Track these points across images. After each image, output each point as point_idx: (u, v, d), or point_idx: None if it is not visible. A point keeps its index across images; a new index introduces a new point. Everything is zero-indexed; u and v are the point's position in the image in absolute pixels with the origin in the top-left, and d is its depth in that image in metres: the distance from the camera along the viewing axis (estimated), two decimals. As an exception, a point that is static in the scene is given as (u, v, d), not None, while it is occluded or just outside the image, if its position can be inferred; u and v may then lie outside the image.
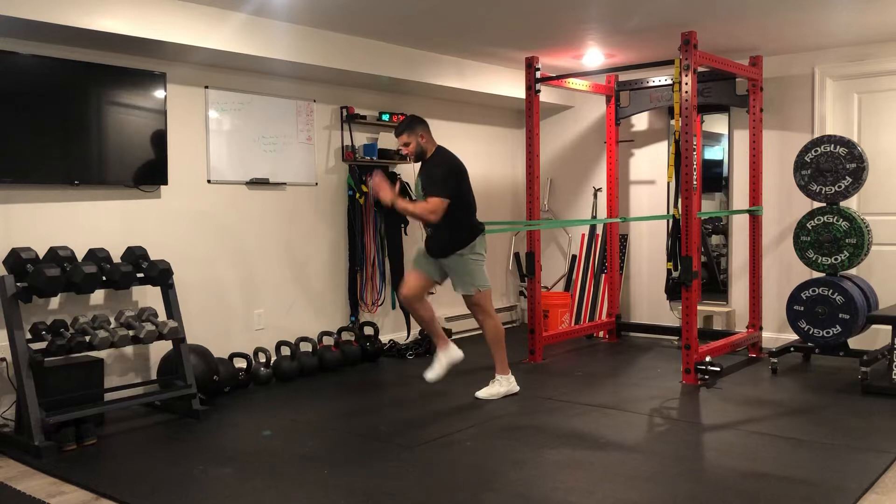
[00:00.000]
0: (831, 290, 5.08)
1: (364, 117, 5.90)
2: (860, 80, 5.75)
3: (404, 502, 3.08)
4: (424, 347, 6.01)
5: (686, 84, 4.80)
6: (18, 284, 3.87)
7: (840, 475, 3.30)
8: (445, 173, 4.47)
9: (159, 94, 4.67)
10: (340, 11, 4.65)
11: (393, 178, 5.60)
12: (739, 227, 6.23)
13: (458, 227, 4.49)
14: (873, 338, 5.50)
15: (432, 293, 4.94)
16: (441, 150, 4.62)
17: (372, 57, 5.41)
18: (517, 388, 4.73)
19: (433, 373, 4.61)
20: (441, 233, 4.50)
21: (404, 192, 5.00)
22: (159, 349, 4.69)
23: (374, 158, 5.90)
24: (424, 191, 4.49)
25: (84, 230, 4.43)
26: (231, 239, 5.21)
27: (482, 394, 4.64)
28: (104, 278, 4.16)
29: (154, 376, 4.70)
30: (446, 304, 6.66)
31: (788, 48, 5.78)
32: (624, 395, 4.73)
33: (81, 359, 4.16)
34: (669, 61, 4.98)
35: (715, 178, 6.59)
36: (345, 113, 5.81)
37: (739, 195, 6.16)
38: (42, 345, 3.90)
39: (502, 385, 4.67)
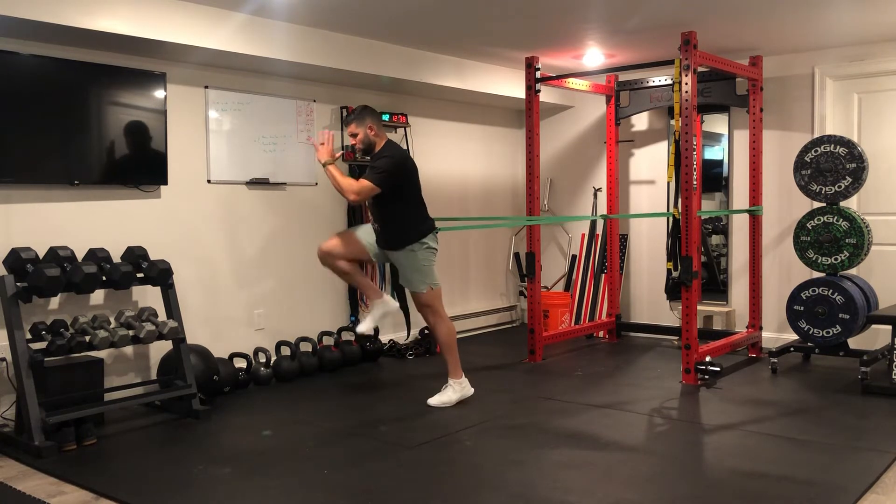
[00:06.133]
0: (831, 290, 5.08)
1: (364, 117, 5.89)
2: (860, 80, 5.74)
3: (404, 502, 3.08)
4: (425, 347, 6.01)
5: (686, 84, 4.81)
6: (18, 284, 3.86)
7: (840, 475, 3.30)
8: (388, 164, 4.32)
9: (159, 94, 4.67)
10: (340, 11, 4.64)
11: None
12: (739, 227, 6.23)
13: (409, 223, 4.41)
14: (873, 338, 5.51)
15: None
16: (391, 144, 4.52)
17: (372, 57, 5.41)
18: (471, 391, 4.59)
19: (365, 325, 4.54)
20: (391, 227, 4.43)
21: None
22: (159, 349, 4.69)
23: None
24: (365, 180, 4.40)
25: (84, 230, 4.43)
26: (231, 239, 5.21)
27: (434, 401, 4.46)
28: (104, 278, 4.16)
29: (154, 376, 4.70)
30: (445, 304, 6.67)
31: (788, 48, 5.78)
32: (624, 395, 4.73)
33: (81, 359, 4.16)
34: (669, 61, 4.98)
35: (715, 178, 6.58)
36: (345, 113, 5.80)
37: (739, 195, 6.16)
38: (42, 345, 3.90)
39: (455, 391, 4.51)
